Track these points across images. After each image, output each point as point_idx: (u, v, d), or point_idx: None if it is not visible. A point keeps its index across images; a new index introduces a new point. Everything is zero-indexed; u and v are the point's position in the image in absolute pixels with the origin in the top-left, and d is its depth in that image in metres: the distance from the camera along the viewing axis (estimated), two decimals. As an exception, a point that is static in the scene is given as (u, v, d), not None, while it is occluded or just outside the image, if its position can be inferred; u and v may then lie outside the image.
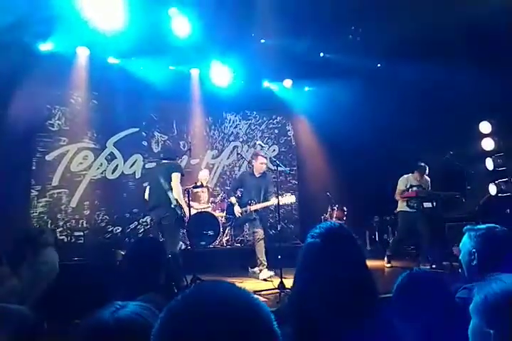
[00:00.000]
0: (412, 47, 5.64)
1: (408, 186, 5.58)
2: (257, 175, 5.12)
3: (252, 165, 5.22)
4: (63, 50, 6.06)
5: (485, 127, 6.01)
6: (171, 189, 4.25)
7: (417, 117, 6.28)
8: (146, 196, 4.62)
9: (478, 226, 1.75)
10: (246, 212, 5.09)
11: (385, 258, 5.64)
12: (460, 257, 1.78)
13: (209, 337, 0.56)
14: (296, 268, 1.23)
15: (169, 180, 4.33)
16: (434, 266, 5.05)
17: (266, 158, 5.21)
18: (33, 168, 6.10)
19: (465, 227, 1.81)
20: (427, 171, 5.59)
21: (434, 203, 5.41)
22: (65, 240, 5.96)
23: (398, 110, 6.39)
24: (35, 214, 6.02)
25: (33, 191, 6.04)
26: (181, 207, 4.25)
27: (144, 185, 5.14)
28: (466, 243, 1.75)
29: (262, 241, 4.83)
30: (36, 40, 5.81)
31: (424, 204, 5.56)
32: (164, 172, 4.41)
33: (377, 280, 1.26)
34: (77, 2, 4.98)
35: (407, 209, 5.55)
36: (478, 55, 5.27)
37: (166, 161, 4.60)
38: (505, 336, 0.96)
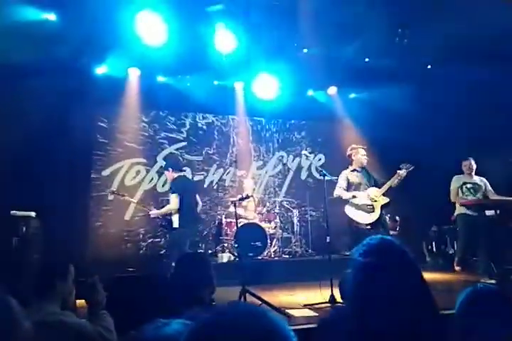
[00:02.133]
0: (465, 47, 5.33)
1: (461, 184, 5.19)
2: (360, 170, 4.78)
3: (352, 160, 4.81)
4: (116, 71, 6.46)
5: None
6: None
7: (476, 120, 5.89)
8: (176, 206, 4.73)
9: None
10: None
11: (455, 263, 5.25)
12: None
13: None
14: (348, 285, 1.19)
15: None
16: (496, 280, 4.60)
17: (364, 149, 4.88)
18: (92, 182, 6.48)
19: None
20: (473, 165, 5.19)
21: (498, 211, 5.00)
22: (121, 252, 6.22)
23: (455, 113, 6.03)
24: (93, 227, 6.36)
25: (91, 205, 6.40)
26: None
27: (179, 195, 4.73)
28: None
29: None
30: (92, 63, 6.24)
31: (486, 212, 5.15)
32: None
33: (438, 294, 1.21)
34: (131, 23, 5.28)
35: (468, 211, 5.09)
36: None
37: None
38: None
